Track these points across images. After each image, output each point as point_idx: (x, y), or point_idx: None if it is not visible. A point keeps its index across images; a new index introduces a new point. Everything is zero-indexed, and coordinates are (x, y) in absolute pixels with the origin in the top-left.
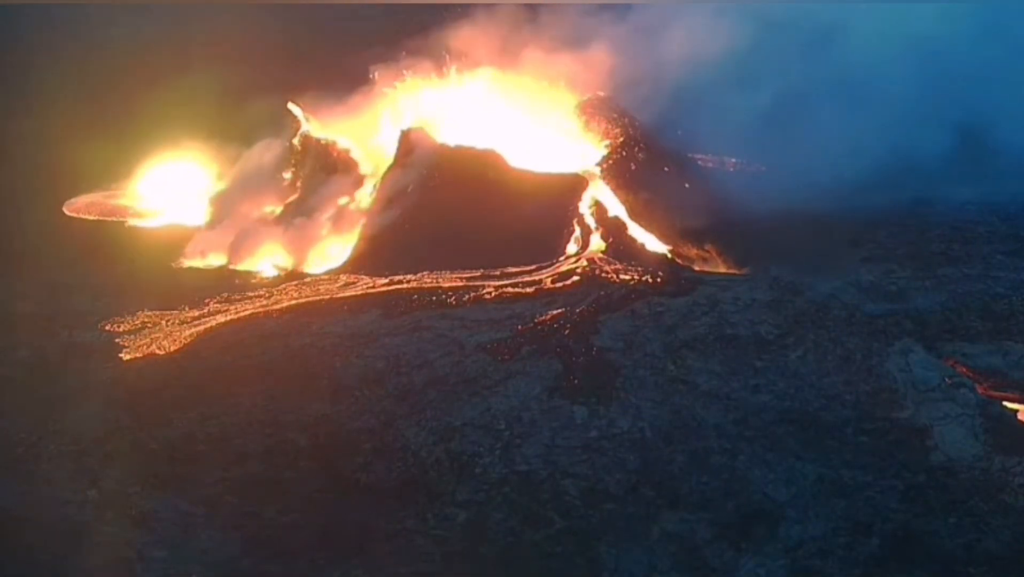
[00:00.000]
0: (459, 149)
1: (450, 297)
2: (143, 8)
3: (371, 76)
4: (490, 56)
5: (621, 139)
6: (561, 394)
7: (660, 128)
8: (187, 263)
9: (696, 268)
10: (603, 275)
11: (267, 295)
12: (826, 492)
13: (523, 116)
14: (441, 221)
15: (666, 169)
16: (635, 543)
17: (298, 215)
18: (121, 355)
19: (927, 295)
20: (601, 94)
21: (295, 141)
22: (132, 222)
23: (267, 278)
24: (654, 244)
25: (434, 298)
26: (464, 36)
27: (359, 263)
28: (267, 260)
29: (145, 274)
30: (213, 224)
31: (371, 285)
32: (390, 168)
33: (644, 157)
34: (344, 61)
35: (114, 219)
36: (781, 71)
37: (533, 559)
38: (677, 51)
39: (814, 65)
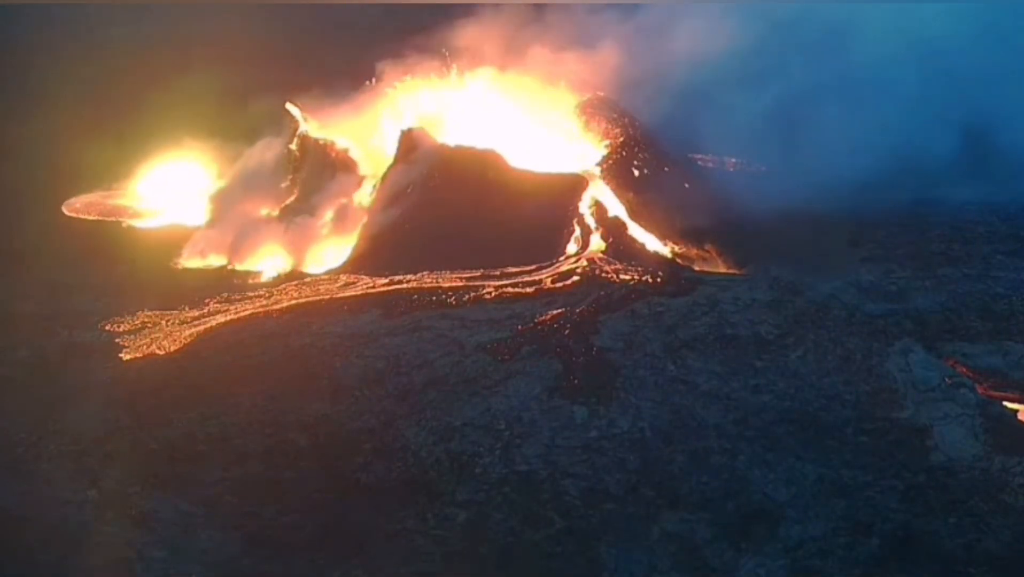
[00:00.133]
0: (459, 149)
1: (450, 297)
2: (144, 8)
3: (377, 72)
4: (493, 55)
5: (621, 139)
6: (561, 394)
7: (662, 128)
8: (187, 263)
9: (696, 268)
10: (603, 275)
11: (267, 295)
12: (826, 492)
13: (524, 116)
14: (441, 221)
15: (666, 169)
16: (635, 543)
17: (298, 215)
18: (121, 355)
19: (927, 295)
20: (601, 94)
21: (293, 146)
22: (130, 222)
23: (267, 278)
24: (654, 244)
25: (434, 298)
26: (466, 36)
27: (359, 263)
28: (267, 260)
29: (145, 274)
30: (213, 223)
31: (371, 285)
32: (390, 168)
33: (644, 157)
34: (348, 60)
35: (113, 219)
36: (785, 71)
37: (533, 559)
38: (680, 51)
39: (818, 65)
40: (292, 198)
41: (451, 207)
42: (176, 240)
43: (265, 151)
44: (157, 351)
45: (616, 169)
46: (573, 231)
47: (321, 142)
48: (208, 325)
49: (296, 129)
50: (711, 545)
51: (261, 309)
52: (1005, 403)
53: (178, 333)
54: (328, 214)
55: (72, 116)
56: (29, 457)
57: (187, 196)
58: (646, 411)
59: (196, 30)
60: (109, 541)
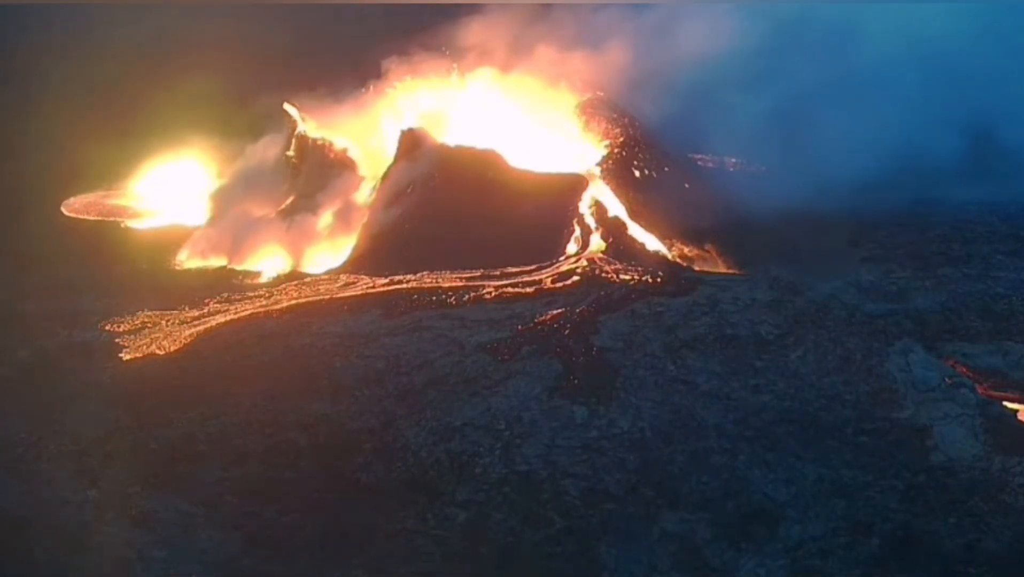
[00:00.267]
0: (459, 149)
1: (450, 297)
2: (145, 9)
3: (382, 70)
4: (497, 54)
5: (621, 139)
6: (561, 394)
7: (663, 127)
8: (187, 263)
9: (696, 268)
10: (603, 275)
11: (267, 295)
12: (826, 492)
13: (524, 116)
14: (441, 221)
15: (666, 169)
16: (635, 543)
17: (297, 215)
18: (121, 355)
19: (927, 295)
20: (600, 94)
21: (291, 151)
22: (128, 223)
23: (267, 278)
24: (654, 244)
25: (434, 298)
26: (471, 35)
27: (359, 263)
28: (267, 260)
29: (145, 274)
30: (213, 222)
31: (371, 285)
32: (390, 167)
33: (644, 157)
34: (353, 59)
35: (112, 219)
36: (786, 71)
37: (533, 559)
38: (681, 51)
39: (818, 65)
40: (292, 198)
41: (451, 207)
42: (176, 240)
43: (267, 149)
44: (157, 351)
45: (616, 169)
46: (573, 231)
47: (320, 142)
48: (208, 325)
49: (294, 130)
50: (711, 545)
51: (261, 309)
52: (1005, 403)
53: (178, 333)
54: (328, 214)
55: (72, 116)
56: (29, 457)
57: (187, 196)
58: (646, 411)
59: (197, 30)
60: (109, 541)
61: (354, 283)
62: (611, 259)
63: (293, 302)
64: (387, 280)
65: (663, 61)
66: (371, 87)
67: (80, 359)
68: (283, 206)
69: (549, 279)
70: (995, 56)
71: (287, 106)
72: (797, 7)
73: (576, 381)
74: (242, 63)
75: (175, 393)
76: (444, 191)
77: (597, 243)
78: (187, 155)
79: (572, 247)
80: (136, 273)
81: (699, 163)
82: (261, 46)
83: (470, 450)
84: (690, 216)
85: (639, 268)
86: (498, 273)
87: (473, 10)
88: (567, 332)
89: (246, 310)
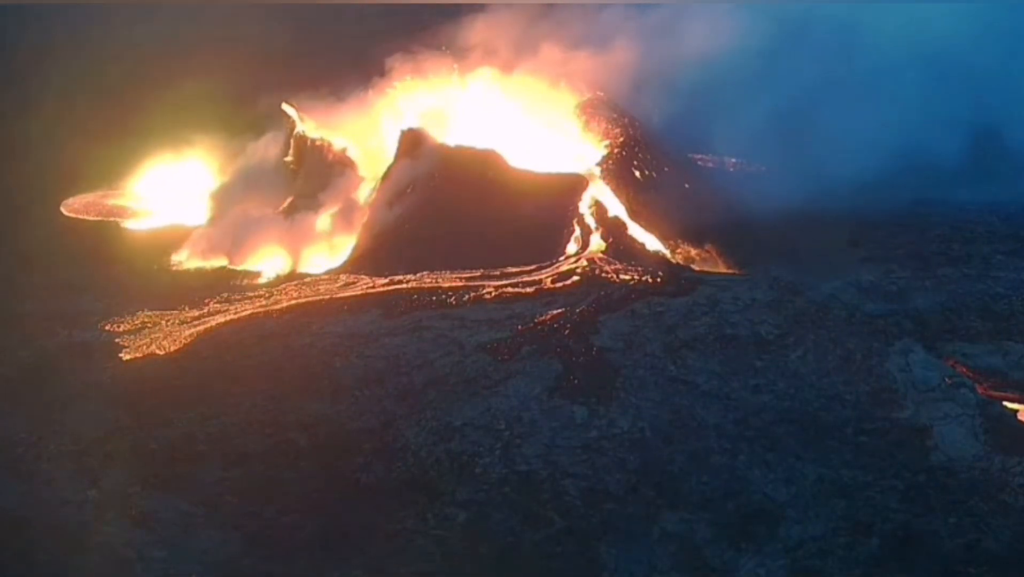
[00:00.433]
0: (459, 149)
1: (450, 297)
2: (146, 9)
3: (386, 69)
4: (500, 54)
5: (621, 139)
6: (561, 394)
7: (663, 127)
8: (187, 263)
9: (696, 268)
10: (603, 275)
11: (267, 295)
12: (826, 492)
13: (524, 116)
14: (441, 221)
15: (666, 169)
16: (635, 543)
17: (297, 215)
18: (121, 355)
19: (927, 295)
20: (601, 94)
21: (289, 156)
22: (127, 223)
23: (267, 278)
24: (654, 244)
25: (434, 298)
26: (474, 34)
27: (359, 263)
28: (267, 260)
29: (145, 274)
30: (213, 222)
31: (371, 285)
32: (391, 167)
33: (644, 157)
34: (356, 58)
35: (112, 219)
36: (788, 71)
37: (533, 559)
38: (682, 51)
39: (819, 65)
40: (292, 198)
41: (451, 207)
42: (176, 240)
43: (267, 148)
44: (157, 351)
45: (616, 169)
46: (573, 231)
47: (320, 142)
48: (208, 325)
49: (292, 130)
50: (711, 545)
51: (261, 309)
52: (1005, 403)
53: (178, 333)
54: (328, 214)
55: (72, 116)
56: (29, 457)
57: (187, 195)
58: (646, 411)
59: (197, 30)
60: (109, 541)
61: (354, 283)
62: (611, 259)
63: (293, 302)
64: (387, 280)
65: (665, 61)
66: (373, 85)
67: (80, 359)
68: (283, 206)
69: (549, 279)
70: (995, 56)
71: (285, 106)
72: (798, 7)
73: (576, 381)
74: (242, 63)
75: (175, 393)
76: (444, 191)
77: (597, 243)
78: (187, 155)
79: (572, 247)
80: (136, 273)
81: (699, 163)
82: (261, 46)
83: (470, 450)
84: (690, 216)
85: (639, 268)
86: (498, 273)
87: (473, 10)
88: (567, 332)
89: (246, 310)
